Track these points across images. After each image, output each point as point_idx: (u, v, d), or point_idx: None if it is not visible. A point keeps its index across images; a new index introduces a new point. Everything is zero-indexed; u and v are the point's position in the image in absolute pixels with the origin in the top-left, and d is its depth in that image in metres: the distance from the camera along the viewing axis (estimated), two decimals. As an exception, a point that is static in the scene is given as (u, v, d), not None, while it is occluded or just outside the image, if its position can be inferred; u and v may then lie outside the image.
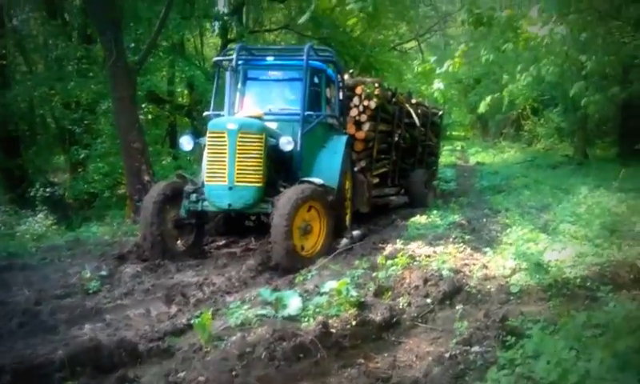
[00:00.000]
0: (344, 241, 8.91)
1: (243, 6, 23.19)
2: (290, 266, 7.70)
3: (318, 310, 5.12)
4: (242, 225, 10.33)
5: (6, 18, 16.94)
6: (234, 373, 3.64)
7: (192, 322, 5.55)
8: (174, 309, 6.13)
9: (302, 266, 7.71)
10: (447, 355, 3.99)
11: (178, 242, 8.70)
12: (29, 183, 15.10)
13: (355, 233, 9.45)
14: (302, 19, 5.54)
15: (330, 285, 5.46)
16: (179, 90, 22.21)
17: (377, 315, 5.00)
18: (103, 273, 7.28)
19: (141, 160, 12.46)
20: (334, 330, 4.44)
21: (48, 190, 16.50)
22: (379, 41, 30.20)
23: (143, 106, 17.71)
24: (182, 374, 3.78)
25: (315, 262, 7.73)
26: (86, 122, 15.48)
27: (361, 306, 5.32)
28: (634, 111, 20.49)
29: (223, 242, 9.82)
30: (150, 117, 18.93)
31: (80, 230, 11.09)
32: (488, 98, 7.37)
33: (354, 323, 4.63)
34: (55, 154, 19.47)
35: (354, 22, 5.83)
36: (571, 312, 4.97)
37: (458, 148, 35.50)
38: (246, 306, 5.21)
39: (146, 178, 12.35)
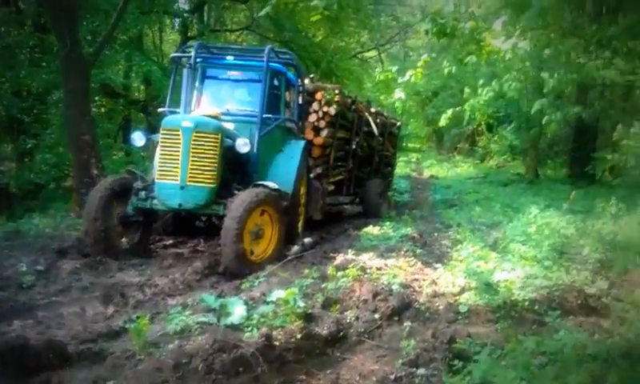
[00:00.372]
0: (295, 248, 8.75)
1: (204, 4, 22.89)
2: (238, 270, 7.51)
3: (262, 320, 4.94)
4: (192, 225, 10.06)
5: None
6: (167, 385, 3.44)
7: (128, 325, 5.34)
8: (111, 309, 5.88)
9: (250, 271, 7.52)
10: (392, 377, 3.86)
11: (123, 239, 8.40)
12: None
13: (307, 240, 9.30)
14: (262, 13, 5.39)
15: (277, 294, 5.30)
16: (135, 84, 21.74)
17: (323, 329, 4.85)
18: (40, 267, 6.97)
19: (90, 153, 12.06)
20: (277, 343, 4.27)
21: (-4, 178, 16.00)
22: (341, 48, 30.31)
23: (97, 98, 17.27)
24: (110, 383, 3.55)
25: (264, 267, 7.55)
26: (35, 111, 14.92)
27: (307, 317, 5.17)
28: (585, 133, 20.85)
29: (171, 241, 9.57)
30: (102, 110, 18.46)
31: (21, 221, 10.64)
32: (449, 112, 7.31)
33: (298, 336, 4.47)
34: (3, 142, 18.84)
35: (317, 19, 5.65)
36: (519, 337, 4.92)
37: (413, 160, 35.74)
38: (187, 312, 4.99)
39: (95, 171, 11.97)
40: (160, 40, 24.81)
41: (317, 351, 4.59)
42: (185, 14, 21.56)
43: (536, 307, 5.90)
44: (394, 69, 7.18)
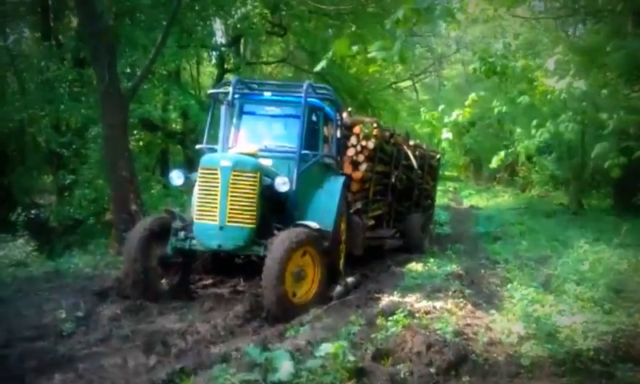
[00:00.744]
0: (338, 288, 8.45)
1: (241, 37, 22.94)
2: (281, 313, 7.24)
3: (311, 377, 4.64)
4: (232, 263, 9.83)
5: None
6: None
7: (172, 377, 5.12)
8: (153, 360, 5.64)
9: (293, 314, 7.25)
10: None
11: (163, 280, 8.20)
12: (13, 205, 14.56)
13: (350, 280, 8.99)
14: (318, 67, 5.15)
15: (325, 348, 4.98)
16: (173, 117, 21.83)
17: (377, 386, 4.52)
18: (79, 314, 6.76)
19: (129, 189, 11.98)
20: (330, 406, 3.96)
21: (33, 212, 16.04)
22: (376, 78, 30.11)
23: (135, 132, 17.32)
24: None
25: (308, 311, 7.27)
26: (74, 146, 14.98)
27: (359, 372, 4.86)
28: (630, 164, 20.25)
29: (210, 281, 9.34)
30: (141, 143, 18.50)
31: (60, 261, 10.55)
32: (501, 154, 6.98)
33: (352, 397, 4.15)
34: (43, 176, 19.02)
35: (372, 69, 5.43)
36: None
37: (451, 189, 35.27)
38: (231, 370, 4.69)
39: (134, 207, 11.87)
40: (197, 73, 24.92)
41: (371, 413, 4.27)
42: (222, 48, 21.61)
43: (602, 357, 5.49)
44: (440, 108, 6.92)
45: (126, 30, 15.30)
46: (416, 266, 10.49)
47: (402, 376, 4.93)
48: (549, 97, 5.99)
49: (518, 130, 6.86)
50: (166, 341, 6.06)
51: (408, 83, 38.52)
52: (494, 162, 7.15)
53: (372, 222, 12.49)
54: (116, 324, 6.60)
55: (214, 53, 22.23)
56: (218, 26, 21.84)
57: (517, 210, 24.14)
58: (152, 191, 15.19)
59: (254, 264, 8.77)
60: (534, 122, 6.55)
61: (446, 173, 44.75)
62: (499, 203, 27.88)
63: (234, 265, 9.77)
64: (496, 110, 6.62)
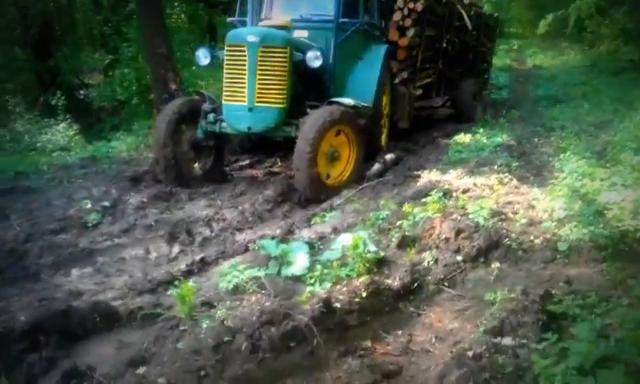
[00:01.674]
0: (376, 166, 8.11)
1: None
2: (313, 195, 7.03)
3: (326, 271, 4.40)
4: (270, 142, 9.55)
5: None
6: (203, 373, 2.99)
7: (192, 268, 5.01)
8: (176, 249, 5.59)
9: (326, 196, 7.01)
10: (470, 354, 3.23)
11: (196, 165, 8.03)
12: (60, 87, 14.54)
13: (388, 157, 8.57)
14: None
15: (344, 239, 4.71)
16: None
17: (395, 279, 4.25)
18: (106, 203, 6.68)
19: (167, 66, 11.72)
20: (338, 305, 3.72)
21: (82, 93, 16.07)
22: None
23: (175, 4, 16.78)
24: (141, 370, 3.14)
25: (341, 193, 7.01)
26: (110, 23, 14.60)
27: (379, 263, 4.61)
28: None
29: (247, 161, 9.16)
30: (183, 16, 17.93)
31: (99, 145, 10.52)
32: (549, 17, 6.20)
33: (364, 294, 3.89)
34: (91, 56, 18.84)
35: None
36: (629, 282, 4.15)
37: (515, 47, 33.47)
38: (242, 266, 4.50)
39: (173, 86, 11.65)
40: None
41: (386, 309, 4.03)
42: None
43: (652, 240, 5.02)
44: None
45: None
46: (464, 138, 9.92)
47: (425, 265, 4.64)
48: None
49: None
50: (190, 229, 5.95)
51: None
52: (541, 28, 6.38)
53: (420, 92, 11.84)
54: (142, 213, 6.50)
55: None
56: None
57: (582, 68, 22.68)
58: (192, 68, 14.80)
59: (293, 142, 8.49)
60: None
61: (512, 29, 42.55)
62: (565, 61, 26.23)
63: (274, 143, 9.50)
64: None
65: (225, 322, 3.42)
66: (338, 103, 7.50)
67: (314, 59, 7.61)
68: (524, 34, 40.50)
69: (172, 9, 15.93)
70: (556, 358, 3.01)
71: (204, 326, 3.55)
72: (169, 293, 4.27)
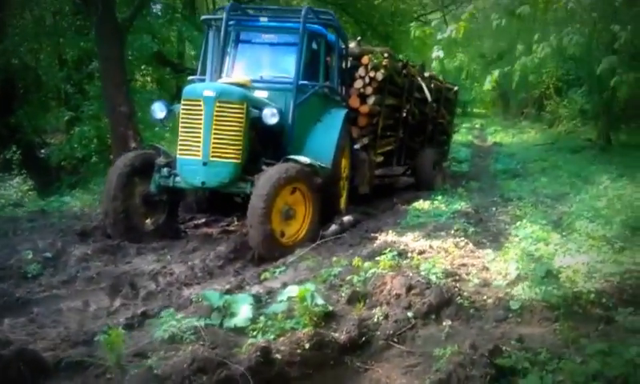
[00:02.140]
0: (333, 227, 7.99)
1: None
2: (267, 253, 6.85)
3: (270, 322, 4.21)
4: (229, 201, 9.40)
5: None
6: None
7: (132, 322, 4.75)
8: (117, 303, 5.29)
9: (280, 254, 6.83)
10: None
11: (147, 220, 7.82)
12: (18, 143, 14.24)
13: (346, 219, 8.47)
14: None
15: (290, 291, 4.54)
16: (193, 53, 20.96)
17: (342, 333, 4.08)
18: (48, 254, 6.38)
19: (127, 125, 11.62)
20: (278, 356, 3.52)
21: (42, 152, 15.79)
22: (402, 10, 28.84)
23: (142, 67, 16.79)
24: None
25: (295, 251, 6.85)
26: (72, 81, 14.51)
27: (327, 317, 4.43)
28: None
29: (203, 220, 8.95)
30: (149, 79, 17.93)
31: (50, 200, 10.23)
32: (495, 73, 6.29)
33: (307, 346, 3.71)
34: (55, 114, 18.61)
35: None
36: (581, 341, 4.05)
37: (477, 126, 34.29)
38: (180, 315, 4.29)
39: (133, 144, 11.51)
40: (214, 5, 23.96)
41: (331, 362, 3.83)
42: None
43: (604, 300, 4.93)
44: (433, 23, 6.23)
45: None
46: (422, 204, 9.92)
47: (374, 320, 4.47)
48: (554, 7, 5.26)
49: (519, 47, 6.01)
50: (134, 282, 5.69)
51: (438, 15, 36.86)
52: (487, 84, 6.47)
53: (381, 159, 11.94)
54: (84, 265, 6.20)
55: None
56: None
57: (542, 146, 23.21)
58: (156, 128, 14.71)
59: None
60: (535, 37, 5.82)
61: (475, 110, 43.74)
62: (524, 140, 26.88)
63: (232, 203, 9.35)
64: (494, 24, 5.85)
65: (153, 369, 3.19)
66: (294, 160, 7.43)
67: (271, 116, 7.58)
68: (486, 113, 41.72)
69: (138, 71, 15.89)
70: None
71: (131, 373, 3.30)
72: (98, 338, 3.99)
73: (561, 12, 5.42)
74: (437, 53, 6.02)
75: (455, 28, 5.58)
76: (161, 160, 7.67)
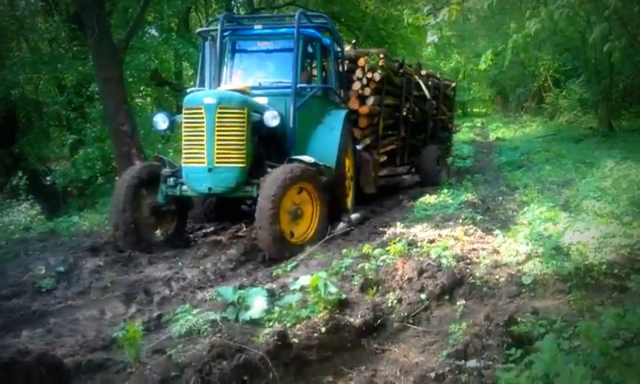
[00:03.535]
0: (341, 225, 8.01)
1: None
2: (277, 254, 6.86)
3: (285, 312, 4.24)
4: (237, 209, 9.45)
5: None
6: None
7: (149, 325, 4.78)
8: (133, 309, 5.31)
9: (290, 254, 6.85)
10: (432, 375, 3.08)
11: (157, 231, 7.86)
12: (24, 170, 14.33)
13: (354, 216, 8.51)
14: None
15: (302, 281, 4.57)
16: (191, 72, 21.07)
17: (356, 317, 4.10)
18: (60, 269, 6.43)
19: (130, 144, 11.64)
20: (295, 340, 3.55)
21: (48, 179, 15.88)
22: (394, 16, 28.97)
23: (142, 87, 16.91)
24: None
25: (304, 249, 6.87)
26: (72, 105, 14.61)
27: (341, 304, 4.46)
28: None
29: (212, 228, 8.97)
30: (148, 99, 18.05)
31: (59, 220, 10.29)
32: (488, 53, 6.32)
33: (323, 330, 3.73)
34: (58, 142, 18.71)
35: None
36: (596, 308, 4.05)
37: (478, 124, 34.30)
38: (196, 310, 4.32)
39: (137, 162, 11.54)
40: (206, 19, 24.10)
41: (348, 345, 3.86)
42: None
43: (615, 271, 4.95)
44: (426, 9, 6.28)
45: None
46: (429, 198, 9.95)
47: (389, 304, 4.50)
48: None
49: (512, 25, 6.03)
50: (148, 289, 5.74)
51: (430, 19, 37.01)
52: (482, 64, 6.49)
53: (384, 158, 11.98)
54: (97, 276, 6.24)
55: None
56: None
57: (544, 137, 23.17)
58: (159, 146, 14.79)
59: (257, 208, 8.36)
60: (527, 14, 5.84)
61: (474, 109, 43.78)
62: (526, 133, 26.87)
63: (239, 211, 9.40)
64: (486, 4, 5.89)
65: (172, 358, 3.22)
66: (298, 161, 7.47)
67: (272, 119, 7.63)
68: (486, 112, 41.74)
69: (137, 93, 15.99)
70: (521, 370, 2.87)
71: (152, 363, 3.33)
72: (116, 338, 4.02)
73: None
74: (431, 37, 6.07)
75: (447, 11, 5.62)
76: (166, 170, 7.72)
